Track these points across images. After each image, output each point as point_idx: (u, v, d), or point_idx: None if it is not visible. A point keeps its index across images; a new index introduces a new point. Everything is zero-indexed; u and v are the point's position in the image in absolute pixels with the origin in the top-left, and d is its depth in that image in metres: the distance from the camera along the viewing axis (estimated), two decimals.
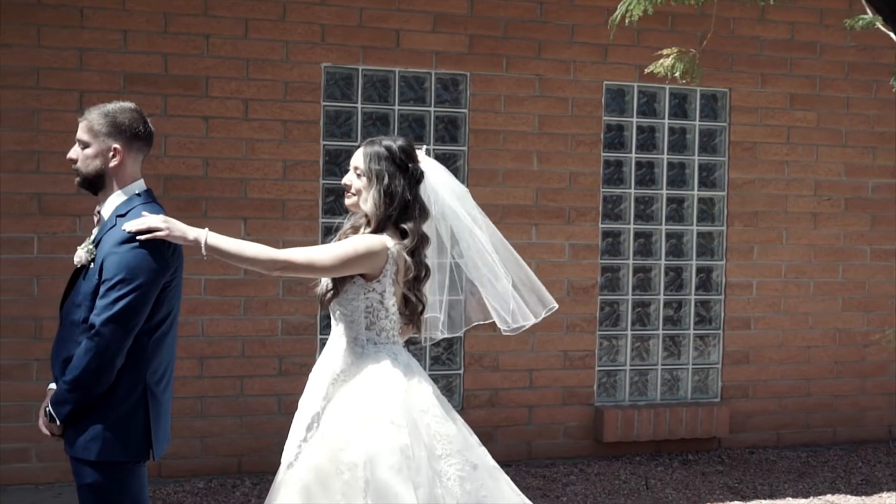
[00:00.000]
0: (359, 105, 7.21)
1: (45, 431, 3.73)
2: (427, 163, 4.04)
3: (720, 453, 7.89)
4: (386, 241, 3.85)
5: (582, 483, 7.06)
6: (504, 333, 4.18)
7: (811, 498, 6.92)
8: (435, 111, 7.36)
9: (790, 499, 6.88)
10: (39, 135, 6.56)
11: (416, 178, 3.94)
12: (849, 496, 6.99)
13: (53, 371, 3.76)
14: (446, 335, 4.19)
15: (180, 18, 6.79)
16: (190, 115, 6.79)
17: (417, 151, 4.02)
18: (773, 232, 8.10)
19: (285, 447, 3.97)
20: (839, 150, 8.25)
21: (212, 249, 3.75)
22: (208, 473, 6.87)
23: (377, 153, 3.90)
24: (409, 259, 3.87)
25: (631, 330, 7.87)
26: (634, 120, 7.81)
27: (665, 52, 5.65)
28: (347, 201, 3.99)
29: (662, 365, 7.95)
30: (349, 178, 3.97)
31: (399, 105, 7.29)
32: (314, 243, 7.06)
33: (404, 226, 3.88)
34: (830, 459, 7.89)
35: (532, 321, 4.11)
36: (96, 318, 3.59)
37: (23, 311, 6.55)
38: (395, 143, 3.93)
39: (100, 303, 3.61)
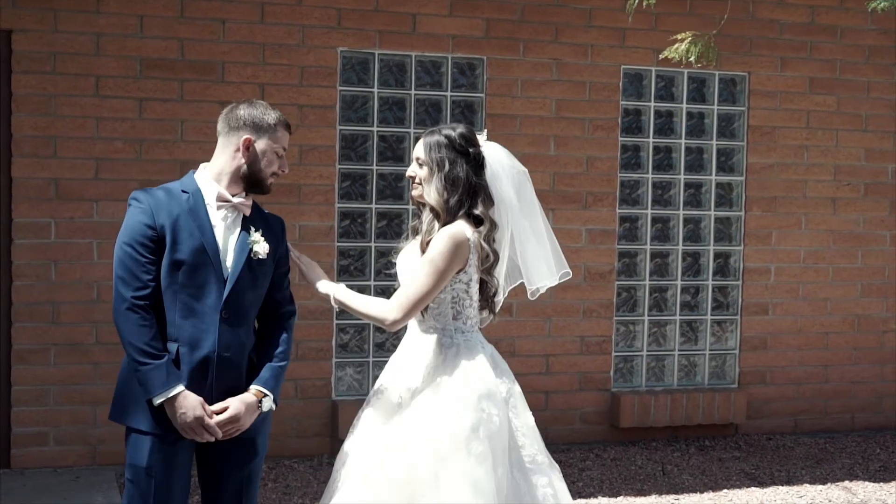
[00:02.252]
0: (375, 90, 7.21)
1: (245, 426, 3.80)
2: (488, 147, 4.07)
3: (737, 439, 7.90)
4: (465, 230, 3.90)
5: (598, 468, 7.09)
6: (530, 296, 4.26)
7: (829, 484, 6.92)
8: (451, 96, 7.36)
9: (807, 485, 6.89)
10: (56, 120, 6.59)
11: (478, 162, 3.99)
12: (867, 483, 7.00)
13: (234, 358, 3.77)
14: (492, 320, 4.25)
15: (196, 3, 6.81)
16: (206, 100, 6.81)
17: (478, 136, 4.06)
18: (791, 217, 8.09)
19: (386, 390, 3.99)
20: (859, 135, 8.22)
21: (340, 304, 3.98)
22: None
23: (437, 142, 3.96)
24: (486, 246, 3.94)
25: (648, 315, 7.87)
26: (652, 104, 7.80)
27: (679, 36, 5.63)
28: (414, 192, 4.04)
29: (679, 350, 7.95)
30: (413, 170, 4.03)
31: (416, 90, 7.29)
32: (330, 228, 7.09)
33: (476, 212, 3.94)
34: (848, 446, 7.89)
35: (550, 283, 4.19)
36: (292, 307, 3.98)
37: (40, 295, 6.60)
38: (455, 130, 3.99)
39: (287, 293, 3.97)
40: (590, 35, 7.55)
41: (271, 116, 3.81)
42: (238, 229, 3.82)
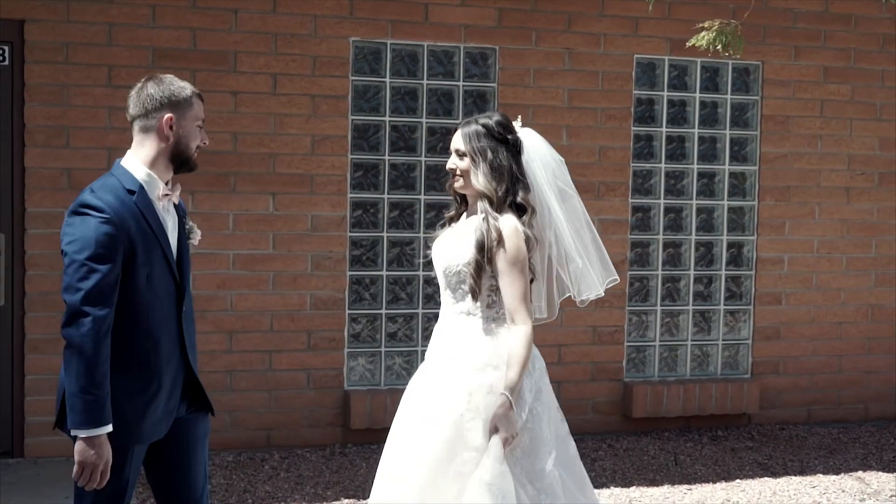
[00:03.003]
0: (387, 79, 7.21)
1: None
2: (524, 134, 4.12)
3: (750, 429, 7.89)
4: (516, 223, 3.95)
5: (611, 458, 7.09)
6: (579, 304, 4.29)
7: (842, 474, 6.91)
8: (464, 85, 7.35)
9: (821, 475, 6.88)
10: (69, 110, 6.60)
11: (517, 149, 4.03)
12: (880, 473, 6.98)
13: (193, 360, 3.73)
14: (545, 317, 4.29)
15: None
16: (218, 90, 6.81)
17: (514, 123, 4.10)
18: (805, 207, 8.06)
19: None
20: (873, 124, 8.19)
21: (516, 383, 3.89)
22: (237, 447, 6.94)
23: (476, 131, 3.99)
24: (529, 232, 4.00)
25: (660, 305, 7.85)
26: (665, 94, 7.78)
27: (706, 24, 5.59)
28: (456, 185, 4.06)
29: (692, 340, 7.94)
30: (453, 162, 4.05)
31: (428, 79, 7.28)
32: (342, 218, 7.09)
33: (520, 200, 3.99)
34: (862, 436, 7.87)
35: (594, 295, 4.23)
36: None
37: (53, 285, 6.62)
38: (491, 118, 4.02)
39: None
40: (602, 24, 7.53)
41: (185, 90, 3.64)
42: (173, 220, 3.72)
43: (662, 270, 7.85)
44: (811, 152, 8.05)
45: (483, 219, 3.97)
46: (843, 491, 6.57)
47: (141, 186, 3.57)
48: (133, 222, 3.50)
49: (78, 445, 3.46)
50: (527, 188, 4.02)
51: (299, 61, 6.97)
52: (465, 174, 4.02)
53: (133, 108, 3.61)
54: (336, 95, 7.05)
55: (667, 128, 7.80)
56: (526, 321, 3.93)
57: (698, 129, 7.87)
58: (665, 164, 7.81)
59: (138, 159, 3.61)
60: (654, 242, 7.83)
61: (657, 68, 7.76)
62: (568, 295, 4.27)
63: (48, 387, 6.64)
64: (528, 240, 3.98)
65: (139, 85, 3.64)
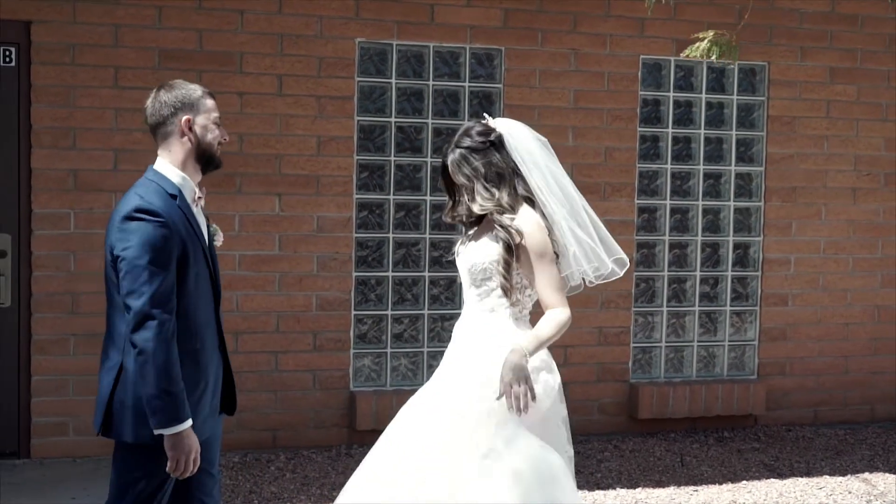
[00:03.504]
0: (393, 80, 7.21)
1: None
2: (501, 123, 4.13)
3: (756, 430, 7.87)
4: (537, 217, 4.00)
5: (616, 459, 7.08)
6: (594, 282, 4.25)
7: (848, 476, 6.90)
8: (469, 86, 7.35)
9: (827, 476, 6.86)
10: (75, 111, 6.61)
11: (501, 143, 4.05)
12: (887, 474, 6.96)
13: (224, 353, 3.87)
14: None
15: None
16: (224, 90, 6.80)
17: (488, 120, 4.12)
18: (811, 207, 8.04)
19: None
20: (880, 125, 8.17)
21: (535, 350, 3.93)
22: (243, 448, 6.94)
23: (460, 158, 4.02)
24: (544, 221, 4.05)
25: (667, 306, 7.85)
26: (671, 94, 7.77)
27: (700, 34, 5.61)
28: (474, 207, 4.05)
29: (698, 341, 7.93)
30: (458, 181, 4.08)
31: (433, 80, 7.28)
32: (348, 219, 7.09)
33: (522, 192, 4.02)
34: (868, 437, 7.85)
35: (588, 282, 4.21)
36: None
37: (59, 286, 6.63)
38: (467, 135, 4.04)
39: None
40: (608, 25, 7.53)
41: (196, 90, 3.72)
42: (203, 222, 3.82)
43: (668, 271, 7.84)
44: (817, 153, 8.04)
45: (501, 225, 3.99)
46: (850, 492, 6.56)
47: (179, 190, 3.67)
48: (181, 225, 3.60)
49: (167, 442, 3.53)
50: (522, 180, 4.04)
51: (305, 62, 6.97)
52: (470, 201, 4.06)
53: (151, 117, 3.71)
54: (342, 96, 7.05)
55: (673, 128, 7.79)
56: (563, 308, 3.96)
57: (704, 129, 7.86)
58: (671, 164, 7.80)
59: (167, 162, 3.71)
60: (661, 243, 7.82)
61: (663, 69, 7.75)
62: (575, 285, 4.22)
63: (54, 388, 6.65)
64: (550, 231, 4.01)
65: (152, 95, 3.73)
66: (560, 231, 4.05)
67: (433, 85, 7.29)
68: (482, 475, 3.83)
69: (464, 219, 4.17)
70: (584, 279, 4.17)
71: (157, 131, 3.71)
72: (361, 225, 7.21)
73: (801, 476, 6.86)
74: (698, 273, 7.90)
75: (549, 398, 4.01)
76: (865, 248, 8.18)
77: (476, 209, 4.03)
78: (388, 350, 7.31)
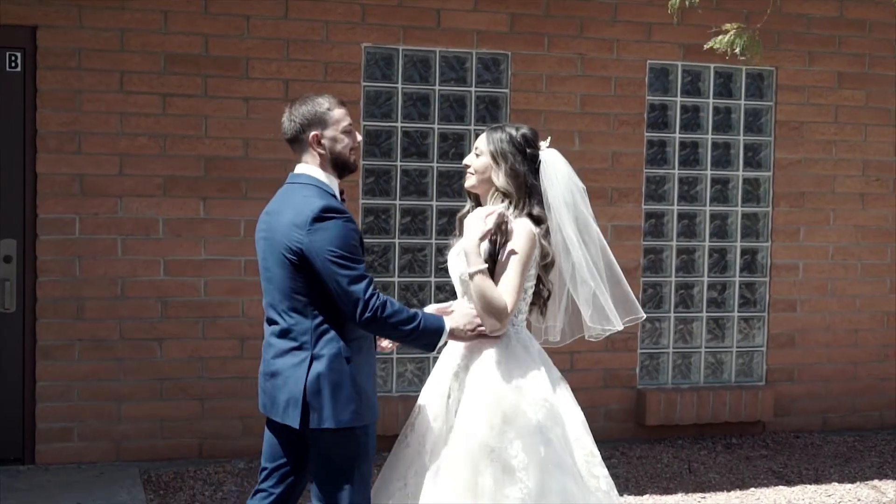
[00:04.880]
0: (399, 85, 7.20)
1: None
2: (548, 154, 4.17)
3: (765, 437, 7.85)
4: (531, 226, 4.01)
5: (624, 466, 7.05)
6: (588, 338, 4.31)
7: (857, 483, 6.87)
8: (476, 91, 7.34)
9: (836, 483, 6.84)
10: (81, 116, 6.61)
11: (534, 163, 4.10)
12: None
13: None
14: (558, 341, 4.34)
15: None
16: (230, 96, 6.81)
17: (541, 142, 4.18)
18: (819, 213, 8.03)
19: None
20: (888, 130, 8.15)
21: (479, 280, 3.91)
22: (249, 454, 6.92)
23: (499, 136, 4.10)
24: (545, 244, 4.05)
25: (674, 312, 7.83)
26: (678, 99, 7.76)
27: (725, 27, 5.62)
28: (466, 182, 4.18)
29: (706, 347, 7.91)
30: (469, 159, 4.15)
31: (440, 85, 7.28)
32: None
33: (535, 212, 4.05)
34: (877, 444, 7.82)
35: (615, 328, 4.26)
36: None
37: (65, 291, 6.63)
38: (518, 130, 4.13)
39: None
40: (615, 30, 7.52)
41: (321, 105, 3.97)
42: None
43: (676, 277, 7.82)
44: (825, 158, 8.02)
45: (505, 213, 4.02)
46: (859, 500, 6.53)
47: (334, 192, 3.96)
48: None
49: (449, 337, 3.94)
50: (542, 204, 4.07)
51: (311, 67, 6.97)
52: (477, 172, 4.11)
53: (286, 133, 4.01)
54: (348, 101, 6.93)
55: (680, 133, 7.78)
56: (506, 308, 3.91)
57: (712, 134, 7.85)
58: (678, 169, 7.79)
59: (313, 167, 3.97)
60: (668, 249, 7.81)
61: (670, 73, 7.74)
62: (581, 336, 4.29)
63: (59, 393, 6.64)
64: (543, 249, 3.99)
65: (286, 111, 4.02)
66: (574, 270, 4.11)
67: (439, 90, 7.28)
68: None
69: (471, 197, 4.21)
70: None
71: (293, 145, 4.01)
72: (367, 230, 7.20)
73: (810, 483, 6.84)
74: (706, 279, 7.89)
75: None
76: (874, 254, 8.16)
77: (496, 181, 4.05)
78: (394, 356, 7.30)
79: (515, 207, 4.04)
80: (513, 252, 3.96)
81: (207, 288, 6.84)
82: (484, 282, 3.90)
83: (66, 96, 6.59)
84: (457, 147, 7.30)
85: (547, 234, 4.06)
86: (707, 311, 7.90)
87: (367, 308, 3.74)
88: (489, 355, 4.00)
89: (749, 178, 7.95)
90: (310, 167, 3.96)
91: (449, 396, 4.02)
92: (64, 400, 6.66)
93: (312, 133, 3.93)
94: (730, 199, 7.93)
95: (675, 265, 7.82)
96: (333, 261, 3.75)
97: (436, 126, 7.29)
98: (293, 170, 4.04)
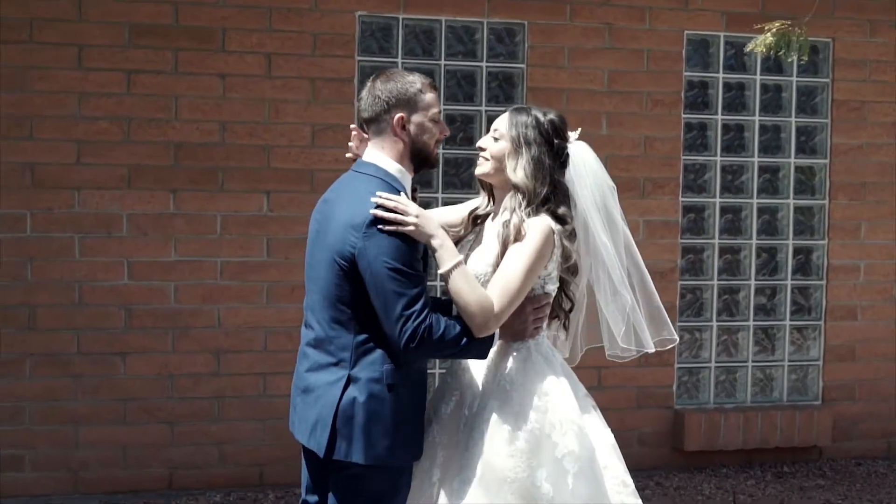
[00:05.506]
0: (399, 60, 7.18)
1: None
2: (576, 147, 4.09)
3: (821, 465, 7.86)
4: (550, 222, 3.89)
5: (659, 498, 7.04)
6: (608, 358, 4.26)
7: None
8: (487, 66, 7.32)
9: None
10: (33, 96, 6.60)
11: (560, 157, 4.00)
12: None
13: None
14: (567, 358, 4.28)
15: None
16: (204, 72, 6.80)
17: (570, 133, 4.08)
18: (883, 206, 8.02)
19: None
20: None
21: (452, 281, 3.82)
22: (226, 485, 6.90)
23: (525, 120, 3.99)
24: (568, 245, 3.94)
25: (717, 321, 7.82)
26: (721, 76, 7.76)
27: (766, 26, 5.65)
28: (478, 169, 4.05)
29: (753, 362, 7.90)
30: (485, 142, 4.03)
31: (446, 60, 7.27)
32: None
33: (560, 211, 3.94)
34: None
35: (645, 350, 4.21)
36: None
37: (14, 298, 6.60)
38: (546, 115, 4.02)
39: None
40: None
41: (415, 83, 3.88)
42: None
43: (718, 280, 7.81)
44: (890, 143, 8.02)
45: (510, 210, 3.90)
46: None
47: (403, 186, 3.87)
48: None
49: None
50: (569, 202, 3.98)
51: (297, 39, 6.94)
52: (494, 158, 3.98)
53: (364, 111, 3.90)
54: (340, 78, 7.03)
55: (723, 115, 7.78)
56: (496, 311, 3.79)
57: (759, 116, 7.85)
58: (721, 156, 7.78)
59: (383, 157, 3.88)
60: (709, 247, 7.78)
61: (711, 46, 7.73)
62: (597, 345, 4.25)
63: (8, 415, 6.64)
64: (564, 250, 3.91)
65: (368, 84, 3.91)
66: (605, 275, 4.06)
67: (445, 65, 7.26)
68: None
69: (484, 187, 4.14)
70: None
71: (370, 125, 3.90)
72: None
73: None
74: (753, 282, 7.87)
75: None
76: None
77: (510, 173, 3.93)
78: None
79: (529, 205, 3.94)
80: (519, 246, 3.85)
81: (178, 294, 6.81)
82: (461, 280, 3.79)
83: (16, 74, 6.57)
84: (466, 130, 7.29)
85: (572, 236, 3.97)
86: (754, 320, 7.90)
87: (414, 338, 3.67)
88: (507, 369, 3.93)
89: (802, 167, 7.94)
90: (382, 156, 3.87)
91: (462, 416, 3.96)
92: (13, 423, 6.62)
93: (398, 115, 3.83)
94: (780, 190, 7.91)
95: (718, 266, 7.80)
96: (387, 274, 3.67)
97: (441, 106, 7.21)
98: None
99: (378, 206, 3.67)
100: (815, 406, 7.94)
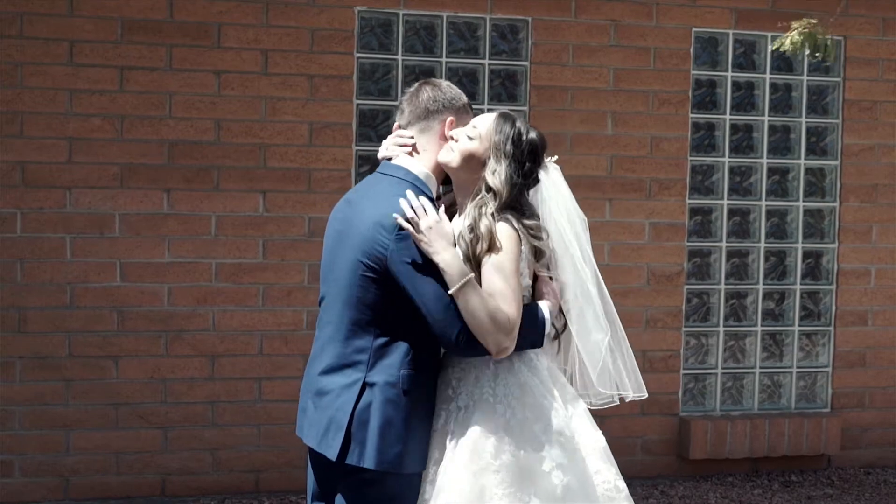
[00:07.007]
0: (399, 57, 7.18)
1: None
2: (551, 172, 4.06)
3: (830, 473, 7.86)
4: (512, 222, 3.87)
5: None
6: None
7: None
8: (490, 64, 7.33)
9: None
10: (23, 92, 6.60)
11: (527, 179, 3.97)
12: None
13: None
14: None
15: None
16: (199, 69, 6.80)
17: (546, 158, 4.05)
18: (895, 209, 7.99)
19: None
20: None
21: (465, 293, 3.77)
22: (220, 492, 6.91)
23: (507, 132, 3.97)
24: (535, 241, 3.91)
25: (723, 326, 7.82)
26: (729, 74, 7.76)
27: (793, 24, 5.66)
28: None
29: (761, 368, 7.91)
30: (458, 133, 3.98)
31: (447, 57, 7.27)
32: None
33: (526, 213, 3.94)
34: None
35: (619, 393, 4.23)
36: None
37: (4, 300, 6.61)
38: (528, 132, 3.99)
39: None
40: None
41: (462, 97, 4.03)
42: None
43: (726, 284, 7.81)
44: None
45: (474, 217, 3.86)
46: None
47: (433, 196, 3.93)
48: None
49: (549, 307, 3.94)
50: (536, 216, 3.95)
51: (295, 35, 6.94)
52: (463, 154, 3.92)
53: (409, 113, 3.99)
54: (338, 76, 7.03)
55: (731, 115, 7.78)
56: (512, 325, 3.78)
57: (769, 116, 7.85)
58: (729, 157, 7.78)
59: (418, 165, 3.94)
60: (716, 251, 7.79)
61: (720, 44, 7.73)
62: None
63: None
64: (532, 246, 3.90)
65: (412, 90, 4.03)
66: (579, 296, 4.01)
67: (447, 62, 7.27)
68: None
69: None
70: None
71: (418, 122, 3.97)
72: None
73: None
74: (761, 287, 7.88)
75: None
76: None
77: (489, 177, 3.88)
78: None
79: (500, 210, 3.89)
80: (496, 256, 3.82)
81: (172, 296, 6.81)
82: (474, 296, 3.78)
83: (6, 70, 6.57)
84: None
85: (537, 235, 3.93)
86: (762, 325, 7.90)
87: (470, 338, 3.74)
88: (489, 379, 3.91)
89: (812, 168, 7.94)
90: (413, 161, 3.94)
91: (449, 431, 3.94)
92: (2, 428, 6.64)
93: (449, 118, 3.95)
94: (790, 192, 7.92)
95: (725, 270, 7.81)
96: (419, 277, 3.71)
97: None
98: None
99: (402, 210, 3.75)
100: (823, 414, 7.94)
